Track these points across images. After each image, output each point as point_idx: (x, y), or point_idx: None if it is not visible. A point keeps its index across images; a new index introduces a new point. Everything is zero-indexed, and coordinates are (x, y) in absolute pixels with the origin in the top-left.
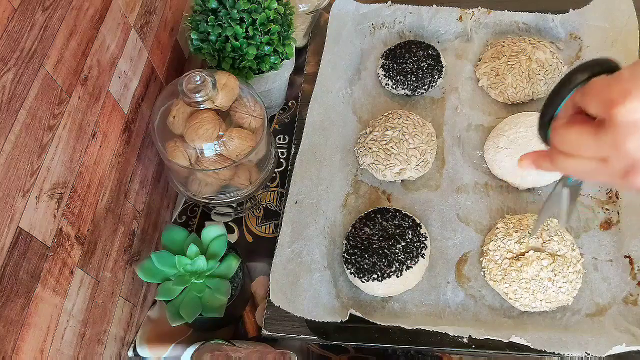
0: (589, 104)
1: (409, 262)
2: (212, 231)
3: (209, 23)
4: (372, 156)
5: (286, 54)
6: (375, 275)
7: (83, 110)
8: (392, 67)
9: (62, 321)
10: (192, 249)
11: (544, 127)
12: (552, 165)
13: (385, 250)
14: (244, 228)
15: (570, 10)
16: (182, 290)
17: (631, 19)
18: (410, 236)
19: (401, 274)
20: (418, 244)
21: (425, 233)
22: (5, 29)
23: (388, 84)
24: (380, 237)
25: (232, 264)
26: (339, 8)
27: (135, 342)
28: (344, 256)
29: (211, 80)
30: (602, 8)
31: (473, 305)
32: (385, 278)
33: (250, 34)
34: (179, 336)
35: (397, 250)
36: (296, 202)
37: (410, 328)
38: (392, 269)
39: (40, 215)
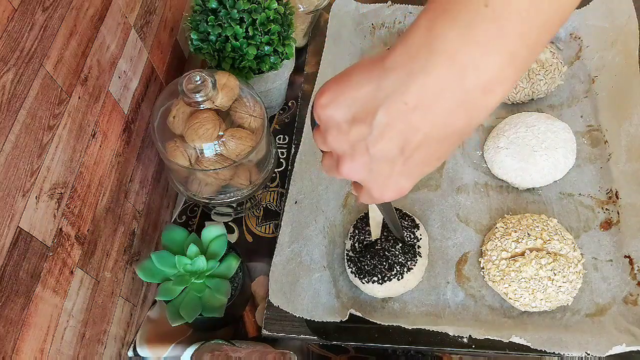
0: (315, 114)
1: (409, 263)
2: (212, 231)
3: (209, 23)
4: None
5: (286, 54)
6: (375, 278)
7: (83, 110)
8: None
9: (62, 321)
10: (192, 249)
11: None
12: (322, 168)
13: (387, 253)
14: (244, 228)
15: None
16: (182, 290)
17: (631, 19)
18: (405, 236)
19: (402, 277)
20: (414, 241)
21: (420, 235)
22: (5, 29)
23: None
24: (383, 238)
25: (232, 264)
26: (339, 8)
27: (135, 342)
28: (347, 254)
29: (211, 80)
30: (602, 8)
31: (473, 305)
32: (385, 281)
33: (250, 34)
34: (179, 336)
35: (397, 253)
36: (296, 202)
37: (410, 328)
38: (393, 272)
39: (40, 215)
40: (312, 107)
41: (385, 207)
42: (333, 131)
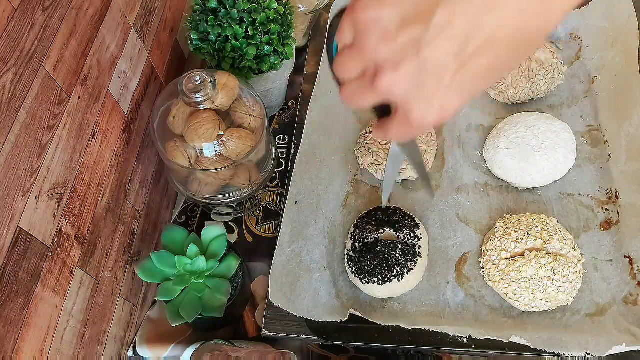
0: (344, 32)
1: (409, 264)
2: (212, 231)
3: (209, 23)
4: (372, 156)
5: (286, 54)
6: (375, 279)
7: (83, 110)
8: None
9: (62, 321)
10: (192, 249)
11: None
12: (342, 98)
13: (387, 255)
14: (244, 228)
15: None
16: (182, 290)
17: (631, 19)
18: (404, 236)
19: (402, 278)
20: (415, 240)
21: (420, 234)
22: (5, 29)
23: None
24: (383, 242)
25: (232, 264)
26: (339, 8)
27: (135, 342)
28: (348, 254)
29: (211, 80)
30: (602, 8)
31: (473, 305)
32: (386, 282)
33: (250, 34)
34: (179, 336)
35: (397, 255)
36: (296, 202)
37: (410, 328)
38: (394, 274)
39: (40, 215)
40: (329, 32)
41: (411, 150)
42: (375, 36)
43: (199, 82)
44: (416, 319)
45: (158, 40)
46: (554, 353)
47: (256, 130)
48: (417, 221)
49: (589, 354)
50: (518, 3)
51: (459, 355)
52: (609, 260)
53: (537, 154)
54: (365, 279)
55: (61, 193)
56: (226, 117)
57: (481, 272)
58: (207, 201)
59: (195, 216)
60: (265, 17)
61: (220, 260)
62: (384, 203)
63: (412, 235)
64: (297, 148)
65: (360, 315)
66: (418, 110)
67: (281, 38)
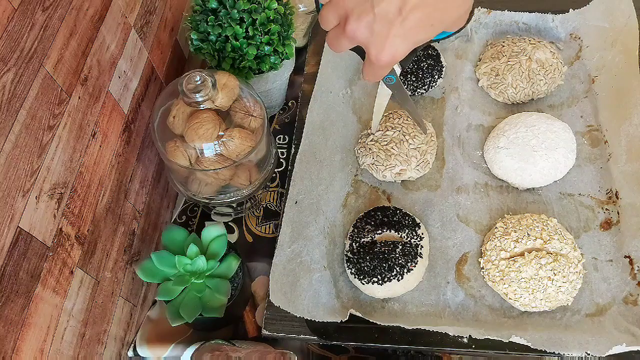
0: None
1: (409, 264)
2: (212, 231)
3: (209, 23)
4: (372, 156)
5: (286, 54)
6: (375, 279)
7: (83, 110)
8: None
9: (62, 321)
10: (192, 249)
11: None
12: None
13: (386, 255)
14: (244, 228)
15: (570, 10)
16: (182, 290)
17: (631, 19)
18: (406, 235)
19: (402, 278)
20: (417, 240)
21: (422, 234)
22: (5, 29)
23: None
24: (382, 241)
25: (232, 264)
26: None
27: (135, 342)
28: (346, 255)
29: (211, 80)
30: (602, 8)
31: (473, 305)
32: (385, 282)
33: (250, 34)
34: (179, 336)
35: (397, 255)
36: (296, 202)
37: (410, 328)
38: (393, 273)
39: (40, 215)
40: None
41: (398, 91)
42: None
43: (199, 82)
44: (416, 319)
45: (158, 40)
46: (553, 353)
47: (256, 130)
48: (417, 221)
49: (589, 354)
50: None
51: (459, 355)
52: (609, 260)
53: (537, 154)
54: (365, 280)
55: (61, 193)
56: (226, 117)
57: (481, 272)
58: (207, 201)
59: (195, 216)
60: (265, 17)
61: (220, 260)
62: (374, 129)
63: (414, 235)
64: (297, 148)
65: (360, 316)
66: (375, 52)
67: (281, 38)
